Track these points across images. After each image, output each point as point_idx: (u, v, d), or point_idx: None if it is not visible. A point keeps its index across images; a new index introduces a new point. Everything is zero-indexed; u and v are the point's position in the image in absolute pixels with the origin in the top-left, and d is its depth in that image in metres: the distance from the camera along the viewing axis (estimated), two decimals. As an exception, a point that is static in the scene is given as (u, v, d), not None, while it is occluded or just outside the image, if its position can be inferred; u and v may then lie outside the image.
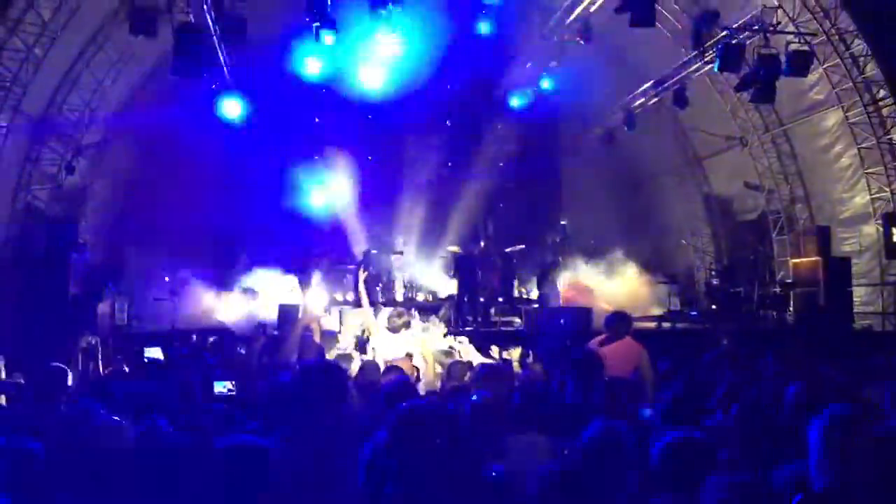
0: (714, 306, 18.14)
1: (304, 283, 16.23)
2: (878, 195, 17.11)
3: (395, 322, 8.62)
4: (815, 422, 3.28)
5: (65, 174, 16.60)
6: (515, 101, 19.84)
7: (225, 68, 16.29)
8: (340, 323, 14.41)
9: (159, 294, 15.88)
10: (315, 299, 16.14)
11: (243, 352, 10.78)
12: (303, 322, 7.28)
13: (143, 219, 17.69)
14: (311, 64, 16.67)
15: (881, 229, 16.65)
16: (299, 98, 18.25)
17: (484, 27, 17.48)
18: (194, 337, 12.95)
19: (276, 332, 13.72)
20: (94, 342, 12.44)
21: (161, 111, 16.89)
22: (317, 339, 6.94)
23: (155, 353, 11.25)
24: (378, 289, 17.42)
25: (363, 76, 17.84)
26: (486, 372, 5.96)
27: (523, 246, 18.44)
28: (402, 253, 18.93)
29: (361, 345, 10.03)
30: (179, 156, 17.57)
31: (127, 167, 17.22)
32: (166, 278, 15.54)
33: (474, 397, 4.44)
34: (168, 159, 17.63)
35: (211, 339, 12.35)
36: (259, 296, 17.10)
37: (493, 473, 3.36)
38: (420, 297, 18.80)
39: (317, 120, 19.18)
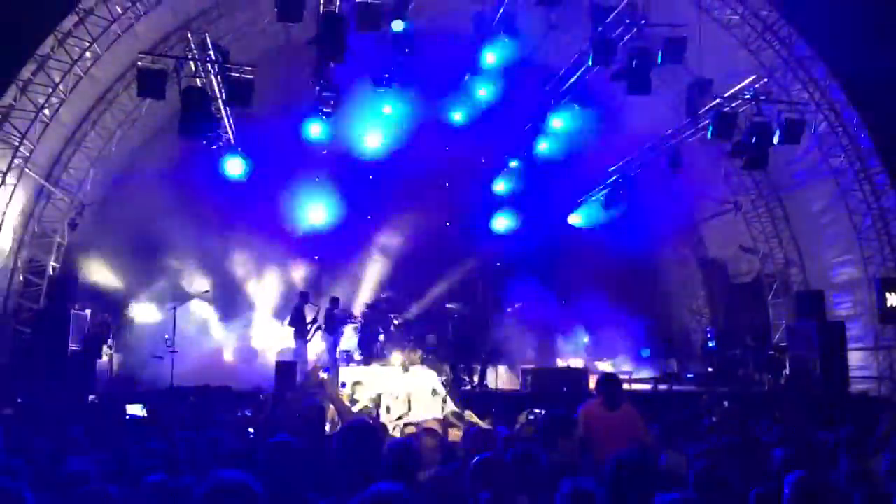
0: (710, 369, 18.15)
1: (302, 336, 16.26)
2: (871, 260, 17.31)
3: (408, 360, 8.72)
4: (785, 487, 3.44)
5: (67, 230, 16.79)
6: (513, 163, 20.19)
7: (230, 129, 16.61)
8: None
9: (158, 351, 15.90)
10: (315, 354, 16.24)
11: (249, 413, 10.72)
12: (309, 382, 7.28)
13: (144, 275, 17.81)
14: (313, 127, 17.08)
15: (875, 294, 16.79)
16: (301, 158, 18.56)
17: (482, 92, 17.92)
18: (192, 397, 12.86)
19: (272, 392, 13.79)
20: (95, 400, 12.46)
21: (164, 169, 17.19)
22: (330, 398, 6.92)
23: (136, 409, 11.19)
24: (378, 345, 17.47)
25: (365, 139, 18.28)
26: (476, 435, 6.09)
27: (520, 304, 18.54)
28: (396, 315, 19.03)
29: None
30: (181, 212, 17.75)
31: (128, 224, 17.35)
32: (166, 336, 15.55)
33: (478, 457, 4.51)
34: (170, 216, 17.81)
35: (191, 399, 12.21)
36: (258, 353, 17.20)
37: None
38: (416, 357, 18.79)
39: (317, 179, 19.44)
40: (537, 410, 9.65)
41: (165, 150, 17.16)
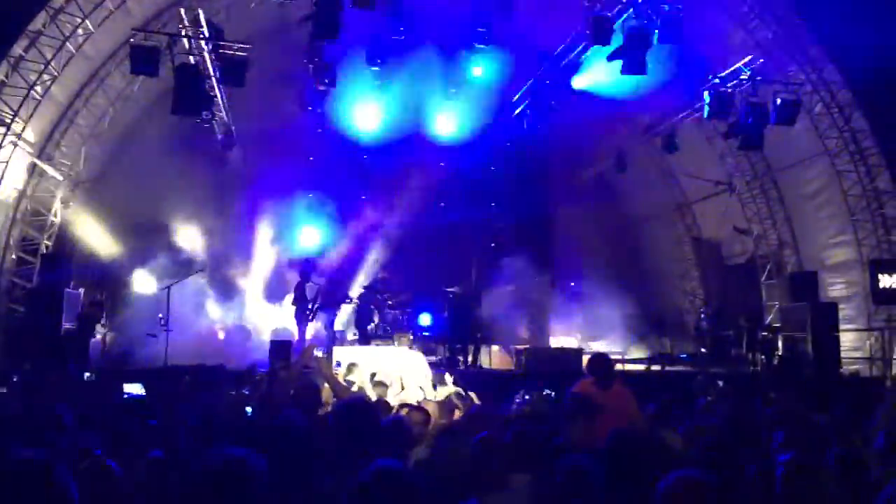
0: (703, 349, 18.24)
1: (302, 317, 16.23)
2: (864, 241, 17.37)
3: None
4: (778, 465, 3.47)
5: (60, 208, 16.71)
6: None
7: (224, 107, 16.51)
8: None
9: (153, 329, 15.87)
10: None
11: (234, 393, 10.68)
12: (302, 361, 7.23)
13: (138, 253, 17.75)
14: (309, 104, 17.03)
15: (868, 275, 16.87)
16: (295, 137, 18.49)
17: (477, 71, 17.84)
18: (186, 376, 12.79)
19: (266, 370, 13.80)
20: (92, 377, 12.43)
21: (158, 147, 17.09)
22: (325, 377, 6.89)
23: (135, 388, 11.15)
24: (372, 326, 17.47)
25: (359, 119, 18.20)
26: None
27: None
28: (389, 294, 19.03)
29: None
30: (176, 190, 17.69)
31: (122, 201, 17.28)
32: (160, 315, 15.49)
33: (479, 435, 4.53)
34: (164, 193, 17.74)
35: (186, 378, 12.13)
36: (252, 332, 17.19)
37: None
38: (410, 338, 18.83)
39: (311, 158, 19.37)
40: (534, 391, 9.66)
41: (159, 128, 17.02)
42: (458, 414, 7.19)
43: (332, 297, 16.73)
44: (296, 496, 3.58)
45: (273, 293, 18.71)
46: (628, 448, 4.03)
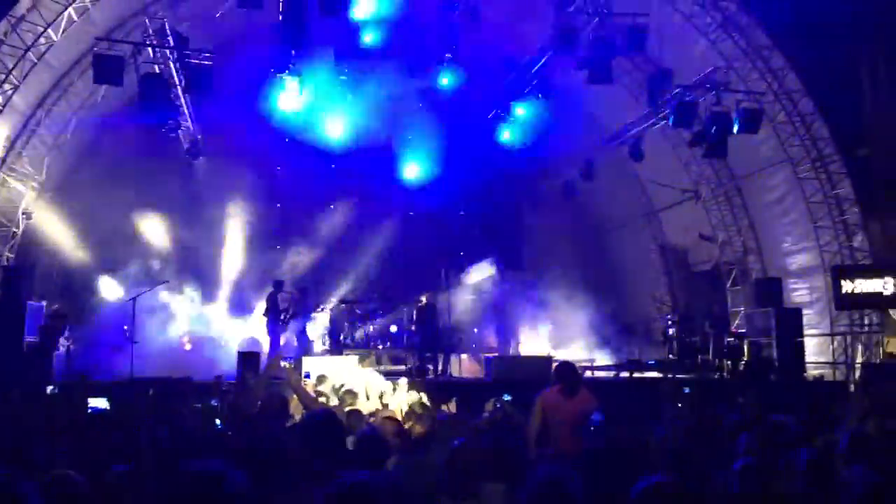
0: (671, 355, 18.37)
1: (274, 328, 16.12)
2: (826, 248, 17.67)
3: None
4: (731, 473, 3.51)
5: (23, 220, 16.44)
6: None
7: (189, 116, 16.40)
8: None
9: (118, 341, 15.65)
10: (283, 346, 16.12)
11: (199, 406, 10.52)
12: (269, 371, 7.16)
13: (103, 263, 17.53)
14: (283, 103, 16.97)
15: (830, 281, 17.14)
16: (262, 146, 18.39)
17: (445, 79, 17.86)
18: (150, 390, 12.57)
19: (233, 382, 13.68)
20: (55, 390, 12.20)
21: (123, 155, 16.91)
22: (293, 387, 6.83)
23: (100, 403, 10.97)
24: (341, 337, 17.42)
25: (327, 128, 18.15)
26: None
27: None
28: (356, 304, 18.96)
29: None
30: (141, 201, 17.52)
31: (86, 211, 17.04)
32: (125, 327, 15.30)
33: (455, 443, 4.52)
34: (129, 204, 17.54)
35: (150, 392, 11.95)
36: (219, 343, 17.04)
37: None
38: (380, 348, 18.78)
39: (278, 168, 19.27)
40: (505, 398, 9.66)
41: (124, 136, 16.83)
42: (417, 427, 7.16)
43: (303, 306, 16.66)
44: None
45: (242, 304, 18.57)
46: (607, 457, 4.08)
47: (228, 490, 2.72)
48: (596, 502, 3.83)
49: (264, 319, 16.22)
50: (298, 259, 19.07)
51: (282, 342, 16.17)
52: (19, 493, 2.12)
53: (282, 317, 16.13)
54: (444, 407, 10.40)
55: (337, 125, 18.43)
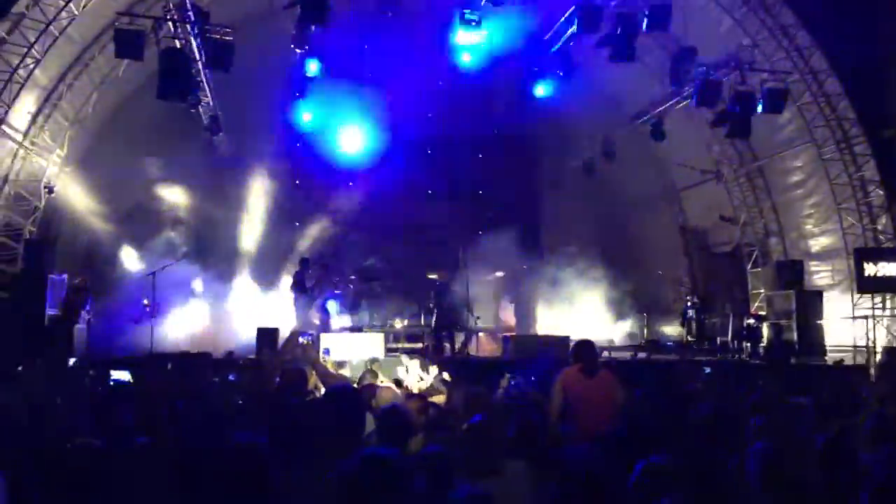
0: (690, 337, 18.31)
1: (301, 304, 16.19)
2: (849, 230, 17.47)
3: None
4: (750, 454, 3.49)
5: (44, 193, 16.54)
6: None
7: (209, 93, 16.39)
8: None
9: (138, 315, 15.78)
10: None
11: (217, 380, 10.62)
12: (288, 347, 7.18)
13: (123, 238, 17.64)
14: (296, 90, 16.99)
15: (853, 263, 16.97)
16: (282, 122, 18.37)
17: (466, 59, 17.72)
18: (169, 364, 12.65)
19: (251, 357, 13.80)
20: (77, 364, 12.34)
21: (144, 131, 16.95)
22: (310, 363, 6.86)
23: (122, 375, 11.06)
24: (359, 312, 17.48)
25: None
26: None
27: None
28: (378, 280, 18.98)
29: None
30: (161, 176, 17.58)
31: (107, 186, 17.13)
32: (145, 301, 15.41)
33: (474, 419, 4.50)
34: (149, 178, 17.61)
35: (169, 366, 12.03)
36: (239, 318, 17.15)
37: (464, 494, 3.33)
38: (398, 325, 18.82)
39: (297, 145, 19.22)
40: (517, 376, 9.64)
41: (145, 112, 16.86)
42: (441, 398, 7.19)
43: (325, 283, 16.72)
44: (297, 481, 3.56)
45: (262, 279, 18.64)
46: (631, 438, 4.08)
47: (263, 459, 2.75)
48: (620, 482, 3.83)
49: (291, 296, 16.30)
50: (318, 235, 19.10)
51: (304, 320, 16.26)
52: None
53: (309, 294, 16.20)
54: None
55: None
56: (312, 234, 19.28)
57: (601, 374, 7.28)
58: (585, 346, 7.56)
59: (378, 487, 2.74)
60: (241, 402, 6.68)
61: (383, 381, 9.58)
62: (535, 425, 4.74)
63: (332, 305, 17.11)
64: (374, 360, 10.47)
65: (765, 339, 17.06)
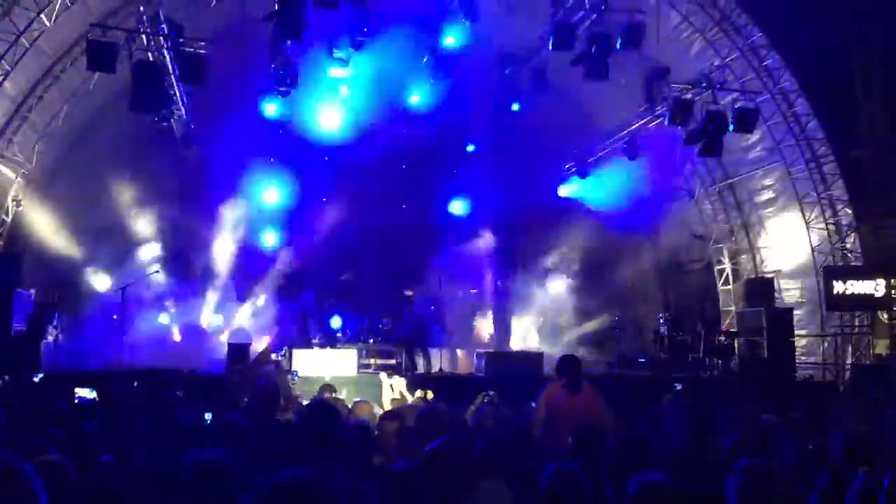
0: (662, 354, 18.37)
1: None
2: (819, 248, 17.69)
3: None
4: (729, 477, 3.48)
5: (12, 207, 16.30)
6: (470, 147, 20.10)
7: (182, 105, 16.28)
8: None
9: (107, 330, 15.55)
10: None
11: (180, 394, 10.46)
12: (260, 362, 7.06)
13: (92, 252, 17.39)
14: (269, 106, 16.94)
15: (822, 281, 17.17)
16: (256, 137, 18.27)
17: (440, 75, 17.77)
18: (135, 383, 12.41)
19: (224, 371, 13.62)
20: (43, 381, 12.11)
21: (115, 144, 16.77)
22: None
23: (86, 392, 10.88)
24: (332, 329, 17.36)
25: (322, 118, 18.04)
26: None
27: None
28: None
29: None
30: (133, 188, 17.39)
31: (77, 200, 16.91)
32: (115, 316, 15.20)
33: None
34: (120, 192, 17.40)
35: (135, 384, 11.84)
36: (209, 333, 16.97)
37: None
38: (371, 342, 18.69)
39: (272, 160, 19.11)
40: (492, 392, 9.58)
41: (116, 125, 16.69)
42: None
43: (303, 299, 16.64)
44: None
45: (233, 294, 18.46)
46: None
47: (229, 475, 2.67)
48: (601, 499, 3.82)
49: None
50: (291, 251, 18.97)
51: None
52: (24, 480, 2.06)
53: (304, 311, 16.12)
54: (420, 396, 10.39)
55: (331, 118, 18.31)
56: (287, 249, 19.17)
57: (585, 390, 7.20)
58: (569, 361, 7.47)
59: None
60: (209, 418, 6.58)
61: (338, 397, 9.52)
62: (502, 443, 4.70)
63: (335, 321, 17.10)
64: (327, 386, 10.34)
65: (736, 356, 17.16)
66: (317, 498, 2.40)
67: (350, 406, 7.70)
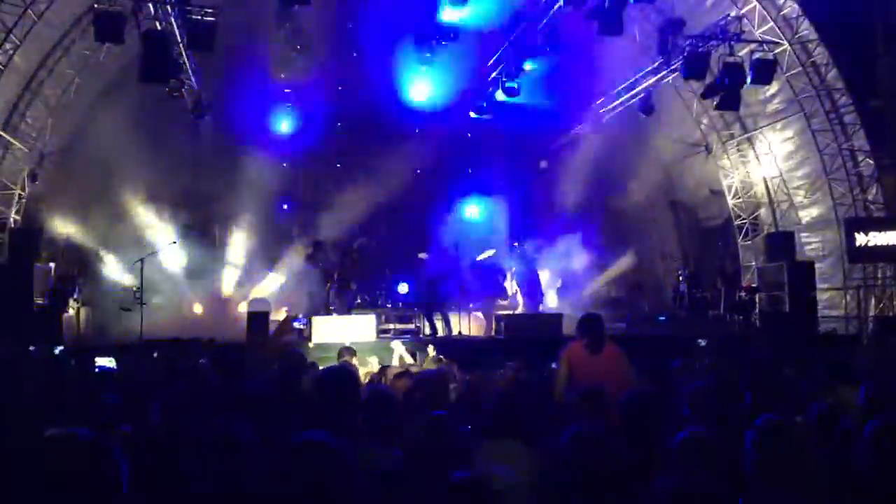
0: (682, 312, 18.29)
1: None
2: (840, 200, 17.44)
3: None
4: (748, 432, 3.43)
5: (28, 182, 16.35)
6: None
7: (192, 74, 16.17)
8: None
9: (127, 304, 15.62)
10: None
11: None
12: (281, 330, 6.93)
13: (110, 225, 17.43)
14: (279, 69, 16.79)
15: (843, 234, 16.96)
16: (267, 103, 18.18)
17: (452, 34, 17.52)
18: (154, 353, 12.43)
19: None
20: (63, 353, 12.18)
21: (128, 116, 16.71)
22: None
23: (106, 361, 10.92)
24: (350, 294, 17.33)
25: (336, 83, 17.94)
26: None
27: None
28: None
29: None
30: (148, 160, 17.33)
31: (92, 173, 16.90)
32: (134, 287, 15.21)
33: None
34: (136, 164, 17.36)
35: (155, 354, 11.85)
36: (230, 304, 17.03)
37: (457, 478, 3.21)
38: (389, 307, 18.67)
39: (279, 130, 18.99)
40: (510, 363, 9.46)
41: (129, 97, 16.61)
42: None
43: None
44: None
45: (253, 265, 18.46)
46: (640, 410, 4.03)
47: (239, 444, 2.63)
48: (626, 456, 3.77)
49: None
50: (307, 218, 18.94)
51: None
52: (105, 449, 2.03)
53: (330, 278, 16.05)
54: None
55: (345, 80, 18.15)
56: (303, 214, 19.13)
57: (608, 350, 7.04)
58: (591, 319, 7.28)
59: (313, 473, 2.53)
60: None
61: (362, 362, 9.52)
62: (513, 401, 4.63)
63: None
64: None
65: (756, 311, 17.04)
66: (324, 460, 2.37)
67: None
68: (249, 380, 6.90)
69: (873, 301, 17.45)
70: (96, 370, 9.31)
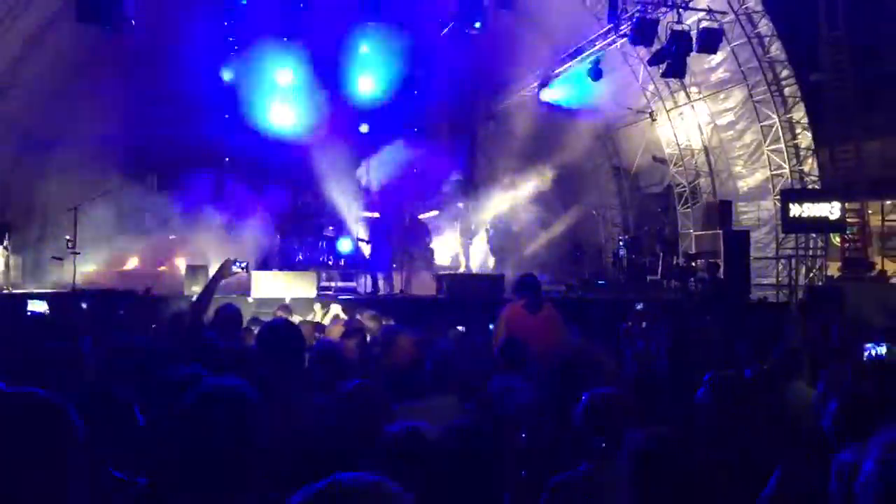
0: (621, 276, 18.58)
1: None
2: (777, 172, 17.86)
3: None
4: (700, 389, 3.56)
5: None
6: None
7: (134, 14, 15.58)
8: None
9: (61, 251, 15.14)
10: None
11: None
12: (224, 274, 6.69)
13: (42, 172, 16.87)
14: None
15: (778, 204, 17.41)
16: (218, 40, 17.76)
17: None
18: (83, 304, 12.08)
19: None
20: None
21: (64, 57, 16.10)
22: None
23: (38, 306, 10.63)
24: (294, 252, 17.21)
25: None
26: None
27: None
28: None
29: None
30: (85, 104, 16.72)
31: (25, 115, 16.25)
32: (67, 237, 14.72)
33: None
34: (72, 107, 16.74)
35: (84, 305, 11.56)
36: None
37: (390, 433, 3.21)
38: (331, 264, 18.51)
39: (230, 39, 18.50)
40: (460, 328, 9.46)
41: (65, 37, 15.92)
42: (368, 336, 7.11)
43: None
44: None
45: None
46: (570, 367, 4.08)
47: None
48: (548, 411, 3.85)
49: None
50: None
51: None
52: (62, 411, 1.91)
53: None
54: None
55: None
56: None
57: (545, 310, 7.17)
58: (528, 280, 7.41)
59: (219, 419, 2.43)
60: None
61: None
62: (449, 358, 4.68)
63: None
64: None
65: (693, 278, 17.40)
66: (235, 409, 2.30)
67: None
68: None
69: (804, 270, 17.99)
70: (28, 313, 9.08)
